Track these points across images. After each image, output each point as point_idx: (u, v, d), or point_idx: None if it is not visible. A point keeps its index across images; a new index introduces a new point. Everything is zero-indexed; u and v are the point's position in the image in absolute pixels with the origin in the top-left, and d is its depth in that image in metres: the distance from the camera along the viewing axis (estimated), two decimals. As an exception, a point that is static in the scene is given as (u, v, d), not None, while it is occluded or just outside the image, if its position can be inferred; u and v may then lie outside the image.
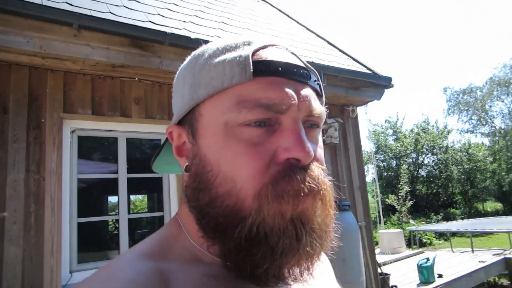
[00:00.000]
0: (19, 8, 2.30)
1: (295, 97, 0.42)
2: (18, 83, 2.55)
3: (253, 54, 0.44)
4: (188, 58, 0.50)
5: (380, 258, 7.81)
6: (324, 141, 4.05)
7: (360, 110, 4.73)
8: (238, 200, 0.40)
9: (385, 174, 22.07)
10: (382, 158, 22.63)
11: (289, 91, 0.42)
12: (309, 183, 0.40)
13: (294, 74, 0.44)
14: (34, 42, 2.39)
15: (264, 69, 0.42)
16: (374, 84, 4.28)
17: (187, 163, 0.46)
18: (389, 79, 4.39)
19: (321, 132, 0.49)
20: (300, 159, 0.40)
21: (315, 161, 0.43)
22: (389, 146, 22.43)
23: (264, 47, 0.45)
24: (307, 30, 5.63)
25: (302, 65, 0.47)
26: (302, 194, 0.39)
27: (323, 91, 0.50)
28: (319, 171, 0.42)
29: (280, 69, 0.43)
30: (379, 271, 4.69)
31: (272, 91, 0.41)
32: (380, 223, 12.85)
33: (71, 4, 2.57)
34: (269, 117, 0.41)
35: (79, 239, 2.69)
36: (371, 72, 4.30)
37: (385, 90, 4.52)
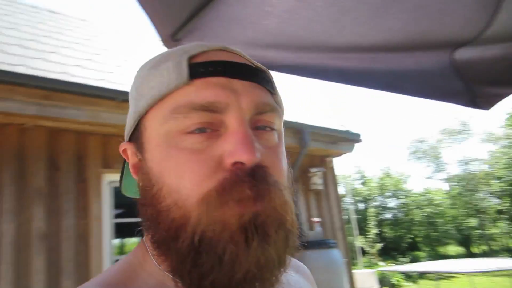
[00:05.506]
0: (75, 88, 2.92)
1: (235, 93, 0.39)
2: (67, 145, 3.10)
3: (193, 57, 0.42)
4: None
5: (356, 297, 8.27)
6: (309, 187, 4.75)
7: (335, 160, 5.53)
8: (185, 210, 0.37)
9: (354, 216, 22.96)
10: (351, 201, 23.65)
11: (226, 88, 0.39)
12: (255, 187, 0.37)
13: (236, 72, 0.41)
14: (85, 113, 2.99)
15: (202, 70, 0.40)
16: (348, 139, 5.11)
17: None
18: (358, 135, 5.25)
19: (278, 135, 0.45)
20: (244, 162, 0.37)
21: (266, 166, 0.39)
22: (356, 190, 23.56)
23: (206, 51, 0.43)
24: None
25: (249, 63, 0.44)
26: (248, 199, 0.36)
27: (276, 89, 0.46)
28: (266, 175, 0.39)
29: (219, 68, 0.40)
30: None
31: (206, 90, 0.39)
32: (355, 260, 13.36)
33: (113, 82, 3.22)
34: (210, 120, 0.39)
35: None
36: (345, 129, 5.15)
37: (355, 144, 5.37)
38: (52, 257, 2.73)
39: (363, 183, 24.23)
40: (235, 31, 0.96)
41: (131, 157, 0.46)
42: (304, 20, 0.94)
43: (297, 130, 4.47)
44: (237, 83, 0.41)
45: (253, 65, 0.44)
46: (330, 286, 3.70)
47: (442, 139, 26.77)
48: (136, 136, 0.45)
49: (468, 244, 22.57)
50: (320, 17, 0.94)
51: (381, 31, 0.99)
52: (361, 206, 23.38)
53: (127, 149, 0.47)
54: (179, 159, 0.39)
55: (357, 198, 23.37)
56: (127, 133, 0.47)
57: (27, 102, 2.74)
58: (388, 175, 24.54)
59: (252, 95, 0.41)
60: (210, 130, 0.39)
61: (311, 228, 4.54)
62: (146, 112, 0.43)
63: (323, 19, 0.95)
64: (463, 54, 1.00)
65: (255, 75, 0.43)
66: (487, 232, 21.27)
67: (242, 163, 0.37)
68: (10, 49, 3.13)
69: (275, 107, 0.43)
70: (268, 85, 0.44)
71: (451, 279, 15.08)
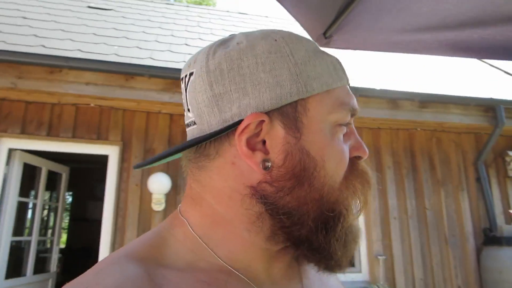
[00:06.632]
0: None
1: None
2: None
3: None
4: (261, 41, 0.44)
5: None
6: (507, 173, 4.04)
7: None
8: (336, 194, 0.43)
9: None
10: None
11: None
12: (371, 176, 0.47)
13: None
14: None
15: (348, 80, 0.48)
16: None
17: (264, 158, 0.43)
18: None
19: None
20: (363, 158, 0.47)
21: None
22: None
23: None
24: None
25: None
26: (371, 186, 0.47)
27: None
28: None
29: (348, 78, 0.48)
30: None
31: (353, 99, 0.47)
32: None
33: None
34: None
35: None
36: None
37: None
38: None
39: None
40: (385, 19, 0.97)
41: (253, 129, 0.42)
42: (461, -5, 0.87)
43: (488, 107, 3.83)
44: None
45: None
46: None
47: None
48: (287, 113, 0.43)
49: None
50: (482, -11, 0.85)
51: None
52: None
53: (253, 122, 0.42)
54: (338, 148, 0.44)
55: None
56: (269, 104, 0.42)
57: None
58: None
59: None
60: None
61: (507, 221, 3.87)
62: (314, 94, 0.44)
63: (486, -10, 0.85)
64: None
65: None
66: None
67: (360, 158, 0.47)
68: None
69: None
70: None
71: None
